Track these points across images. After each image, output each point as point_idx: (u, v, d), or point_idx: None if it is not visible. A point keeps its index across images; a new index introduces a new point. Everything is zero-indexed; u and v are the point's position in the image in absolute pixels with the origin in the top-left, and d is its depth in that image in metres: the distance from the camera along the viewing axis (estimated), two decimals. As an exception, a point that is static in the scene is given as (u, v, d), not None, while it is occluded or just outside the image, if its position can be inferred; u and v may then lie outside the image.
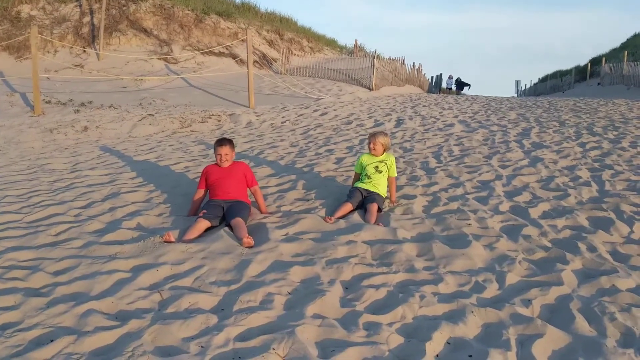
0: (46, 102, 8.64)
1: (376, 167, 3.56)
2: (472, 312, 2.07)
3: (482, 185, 4.04)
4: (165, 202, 3.66)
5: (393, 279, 2.39)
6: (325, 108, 8.87)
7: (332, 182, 4.19)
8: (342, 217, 3.29)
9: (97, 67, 11.74)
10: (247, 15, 16.19)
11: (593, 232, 3.00)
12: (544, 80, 26.32)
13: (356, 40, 20.19)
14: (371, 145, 3.59)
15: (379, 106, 9.50)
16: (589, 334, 1.93)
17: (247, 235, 2.85)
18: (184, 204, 3.60)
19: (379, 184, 3.53)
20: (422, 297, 2.18)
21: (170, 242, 2.81)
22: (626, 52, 17.22)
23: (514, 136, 6.16)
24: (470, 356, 1.79)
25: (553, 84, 23.66)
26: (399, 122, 7.41)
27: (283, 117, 7.95)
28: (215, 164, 3.43)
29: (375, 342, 1.85)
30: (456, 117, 7.93)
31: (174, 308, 2.11)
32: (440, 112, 8.53)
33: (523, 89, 29.33)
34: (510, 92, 30.30)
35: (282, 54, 14.65)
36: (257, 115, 8.01)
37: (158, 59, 12.60)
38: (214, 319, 2.00)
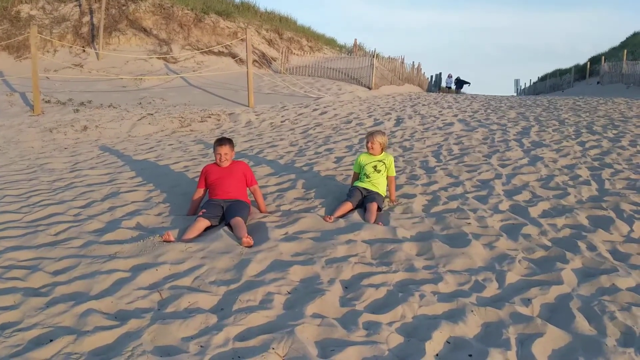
0: (46, 102, 8.63)
1: (375, 167, 3.56)
2: (472, 311, 2.07)
3: (482, 184, 4.04)
4: (164, 202, 3.65)
5: (393, 278, 2.39)
6: (324, 107, 8.86)
7: (331, 181, 4.19)
8: (342, 216, 3.29)
9: (96, 67, 11.72)
10: (247, 15, 16.17)
11: (593, 231, 3.00)
12: (543, 79, 26.31)
13: (355, 39, 20.18)
14: (369, 145, 3.59)
15: (378, 105, 9.49)
16: (589, 333, 1.93)
17: (247, 234, 2.85)
18: (184, 203, 3.59)
19: (378, 183, 3.53)
20: (421, 296, 2.18)
21: (169, 241, 2.81)
22: (625, 51, 17.20)
23: (514, 135, 6.16)
24: (470, 355, 1.78)
25: (553, 83, 23.65)
26: (399, 121, 7.41)
27: (282, 116, 7.95)
28: (215, 163, 3.42)
29: (375, 342, 1.85)
30: (456, 116, 7.93)
31: (174, 308, 2.10)
32: (439, 111, 8.53)
33: (522, 87, 29.33)
34: (510, 91, 30.31)
35: (282, 53, 14.64)
36: (256, 115, 8.00)
37: (157, 58, 12.58)
38: (213, 319, 2.00)
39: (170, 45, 13.25)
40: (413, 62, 19.89)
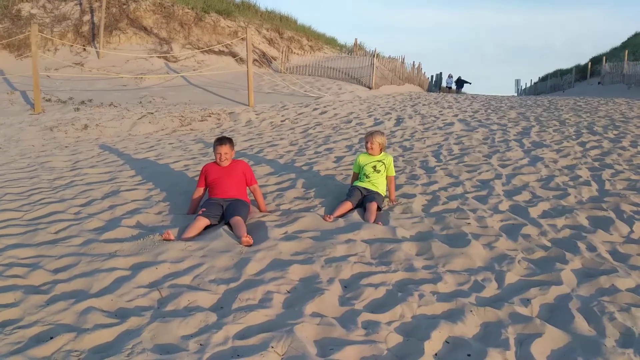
0: (46, 100, 8.63)
1: (374, 167, 3.57)
2: (471, 311, 2.07)
3: (482, 184, 4.04)
4: (164, 201, 3.66)
5: (392, 278, 2.39)
6: (324, 107, 8.86)
7: (331, 180, 4.19)
8: (342, 215, 3.29)
9: (97, 66, 11.73)
10: (247, 14, 16.16)
11: (593, 232, 3.00)
12: (544, 79, 26.28)
13: (356, 38, 20.19)
14: (368, 145, 3.59)
15: (378, 105, 9.49)
16: (588, 334, 1.93)
17: (246, 233, 2.85)
18: (184, 202, 3.60)
19: (377, 183, 3.54)
20: (421, 296, 2.18)
21: (169, 240, 2.81)
22: (627, 51, 17.18)
23: (514, 135, 6.16)
24: (469, 355, 1.79)
25: (553, 83, 23.63)
26: (399, 121, 7.40)
27: (282, 115, 7.95)
28: (215, 162, 3.42)
29: (374, 341, 1.85)
30: (456, 116, 7.93)
31: (173, 306, 2.11)
32: (440, 111, 8.52)
33: (523, 88, 29.30)
34: (511, 91, 30.29)
35: (282, 52, 14.63)
36: (256, 114, 8.00)
37: (158, 57, 12.58)
38: (213, 317, 2.01)
39: (170, 44, 13.24)
40: (413, 61, 19.91)
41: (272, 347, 1.78)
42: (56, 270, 2.46)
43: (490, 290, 2.30)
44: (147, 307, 2.11)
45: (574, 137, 5.99)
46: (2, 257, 2.56)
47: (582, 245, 2.78)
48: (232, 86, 11.32)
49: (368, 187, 3.52)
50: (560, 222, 3.16)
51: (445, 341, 1.88)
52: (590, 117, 7.65)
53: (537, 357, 1.79)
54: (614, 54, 20.91)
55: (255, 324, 1.96)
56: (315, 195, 3.74)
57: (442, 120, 7.46)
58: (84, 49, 12.28)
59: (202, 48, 13.16)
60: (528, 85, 28.76)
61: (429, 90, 19.89)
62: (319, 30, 18.54)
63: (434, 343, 1.85)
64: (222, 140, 3.39)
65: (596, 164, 4.67)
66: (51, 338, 1.84)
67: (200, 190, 3.43)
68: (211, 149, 5.33)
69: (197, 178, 3.80)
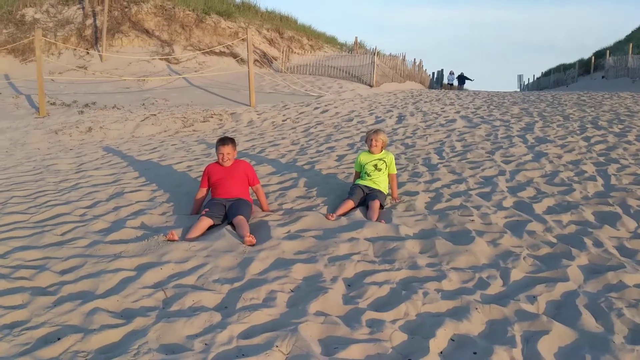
0: (51, 104, 8.70)
1: (375, 165, 3.56)
2: (477, 308, 2.06)
3: (485, 181, 4.01)
4: (168, 201, 3.67)
5: (396, 276, 2.39)
6: (325, 105, 8.85)
7: (333, 179, 4.18)
8: (344, 214, 3.29)
9: (100, 69, 11.79)
10: (247, 15, 16.18)
11: (599, 227, 2.97)
12: (547, 74, 26.10)
13: (356, 37, 20.11)
14: (372, 143, 3.58)
15: (379, 103, 9.46)
16: (596, 330, 1.92)
17: (249, 233, 2.86)
18: (187, 202, 3.61)
19: (379, 181, 3.53)
20: (425, 294, 2.17)
21: (173, 240, 2.83)
22: (631, 45, 17.02)
23: (517, 131, 6.12)
24: (475, 353, 1.78)
25: (557, 78, 23.45)
26: (400, 119, 7.38)
27: (284, 115, 7.95)
28: (217, 162, 3.43)
29: (379, 340, 1.85)
30: (458, 112, 7.89)
31: (178, 306, 2.12)
32: (442, 108, 8.48)
33: (526, 83, 29.10)
34: (513, 87, 30.10)
35: (283, 52, 14.63)
36: (258, 114, 8.01)
37: (160, 59, 12.63)
38: (217, 317, 2.01)
39: (172, 46, 13.29)
40: (414, 59, 19.83)
41: (277, 346, 1.78)
42: (63, 272, 2.47)
43: (496, 287, 2.29)
44: (152, 307, 2.12)
45: (578, 132, 5.94)
46: (10, 260, 2.59)
47: (588, 241, 2.76)
48: (234, 87, 11.34)
49: (370, 186, 3.51)
50: (565, 217, 3.14)
51: (451, 339, 1.87)
52: (594, 111, 7.58)
53: (544, 355, 1.78)
54: (618, 47, 20.71)
55: (260, 323, 1.97)
56: (317, 194, 3.74)
57: (444, 117, 7.43)
58: (87, 53, 12.35)
59: (204, 49, 13.19)
60: (531, 80, 28.59)
61: (431, 87, 19.82)
62: (319, 30, 18.53)
63: (439, 341, 1.84)
64: (224, 141, 3.40)
65: (601, 158, 4.62)
66: (58, 339, 1.86)
67: (203, 191, 3.44)
68: (214, 150, 5.33)
69: (200, 179, 3.82)
